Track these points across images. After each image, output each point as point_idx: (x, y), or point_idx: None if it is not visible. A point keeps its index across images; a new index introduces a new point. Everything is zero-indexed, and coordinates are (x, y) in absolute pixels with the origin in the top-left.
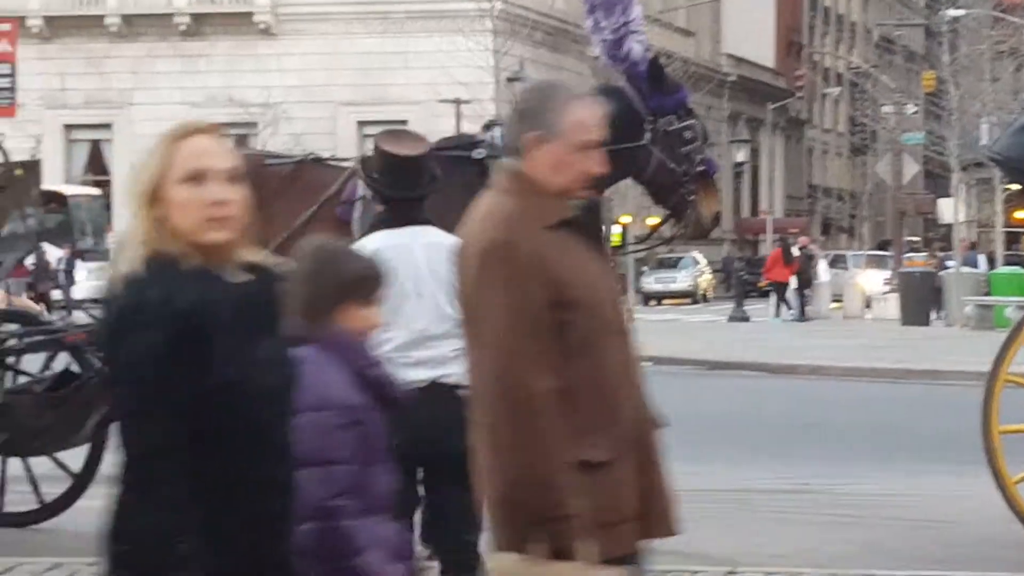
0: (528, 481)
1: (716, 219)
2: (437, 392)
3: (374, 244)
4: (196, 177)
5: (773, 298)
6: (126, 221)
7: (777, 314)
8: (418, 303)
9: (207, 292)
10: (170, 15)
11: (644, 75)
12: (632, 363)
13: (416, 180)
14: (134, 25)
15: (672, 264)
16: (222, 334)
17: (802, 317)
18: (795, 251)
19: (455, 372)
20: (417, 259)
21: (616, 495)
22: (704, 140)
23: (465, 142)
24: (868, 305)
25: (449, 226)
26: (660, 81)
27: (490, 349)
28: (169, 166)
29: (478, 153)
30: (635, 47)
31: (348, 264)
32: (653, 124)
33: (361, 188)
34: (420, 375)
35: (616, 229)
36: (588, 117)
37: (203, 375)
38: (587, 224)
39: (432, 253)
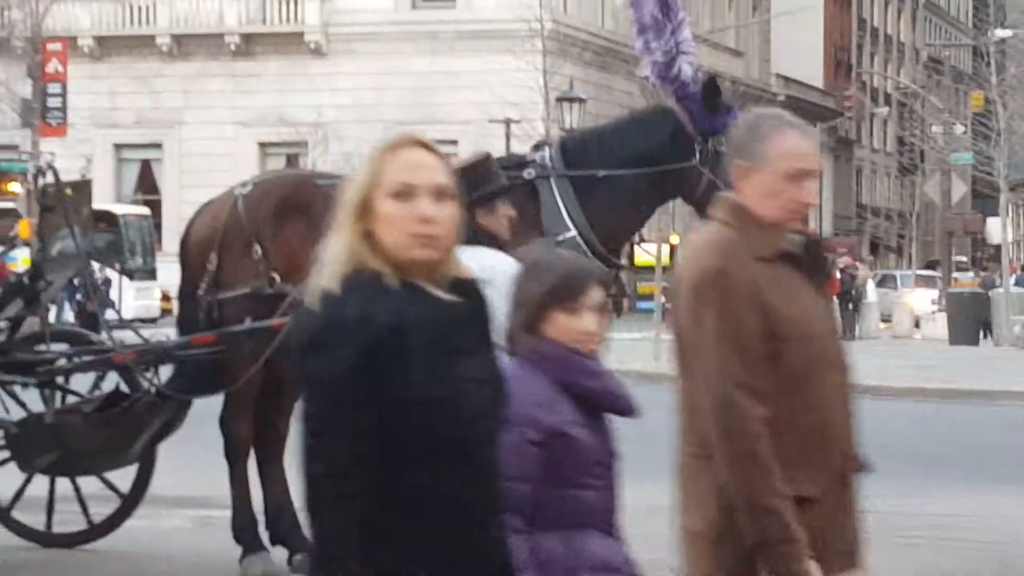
0: (749, 508)
1: None
2: None
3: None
4: (405, 192)
5: None
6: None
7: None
8: None
9: (409, 310)
10: (221, 35)
11: (695, 96)
12: (848, 399)
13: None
14: (185, 44)
15: None
16: (424, 352)
17: (851, 336)
18: (837, 272)
19: None
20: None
21: (823, 530)
22: None
23: (515, 162)
24: (917, 325)
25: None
26: (715, 101)
27: (705, 377)
28: (380, 178)
29: (528, 173)
30: (685, 68)
31: (550, 269)
32: (703, 145)
33: None
34: None
35: (664, 248)
36: (797, 146)
37: (400, 393)
38: (806, 259)
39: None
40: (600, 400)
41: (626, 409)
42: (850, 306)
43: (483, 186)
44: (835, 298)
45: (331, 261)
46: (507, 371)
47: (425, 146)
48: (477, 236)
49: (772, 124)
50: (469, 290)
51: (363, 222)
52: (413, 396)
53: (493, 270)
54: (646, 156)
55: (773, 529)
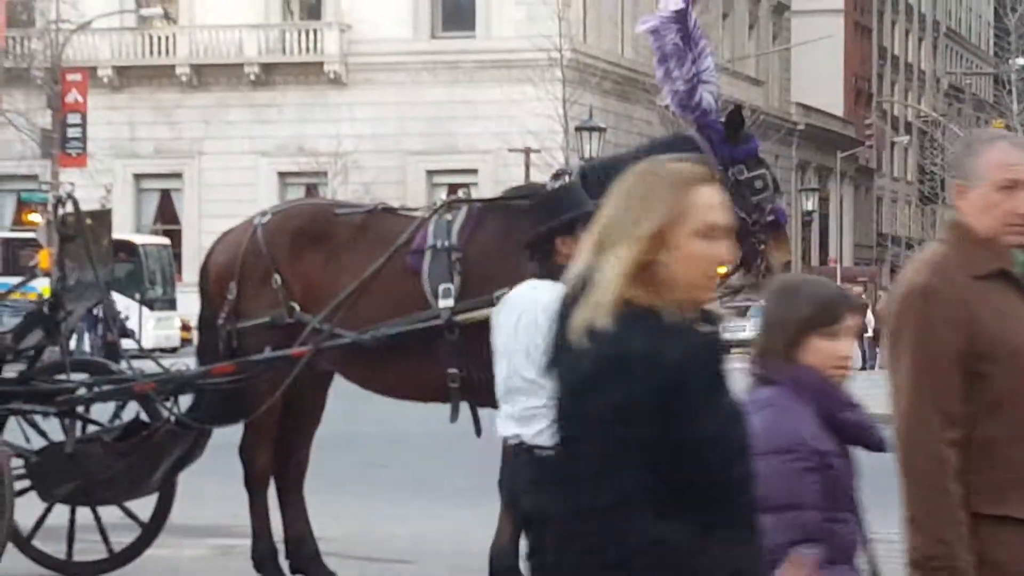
0: (917, 526)
1: (787, 268)
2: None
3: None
4: (710, 232)
5: None
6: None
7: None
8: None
9: (690, 345)
10: (240, 65)
11: (715, 124)
12: None
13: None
14: (204, 75)
15: (741, 313)
16: (705, 388)
17: (864, 365)
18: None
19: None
20: (515, 314)
21: None
22: (774, 190)
23: (534, 191)
24: None
25: (520, 275)
26: (738, 131)
27: (899, 393)
28: (682, 214)
29: None
30: (706, 96)
31: (805, 294)
32: (723, 173)
33: (431, 237)
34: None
35: None
36: (1007, 157)
37: (683, 431)
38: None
39: (530, 309)
40: (854, 432)
41: (876, 443)
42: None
43: (564, 213)
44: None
45: (602, 291)
46: (765, 399)
47: (717, 184)
48: (551, 268)
49: (983, 139)
50: (714, 320)
51: (654, 254)
52: (692, 435)
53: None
54: None
55: (937, 555)
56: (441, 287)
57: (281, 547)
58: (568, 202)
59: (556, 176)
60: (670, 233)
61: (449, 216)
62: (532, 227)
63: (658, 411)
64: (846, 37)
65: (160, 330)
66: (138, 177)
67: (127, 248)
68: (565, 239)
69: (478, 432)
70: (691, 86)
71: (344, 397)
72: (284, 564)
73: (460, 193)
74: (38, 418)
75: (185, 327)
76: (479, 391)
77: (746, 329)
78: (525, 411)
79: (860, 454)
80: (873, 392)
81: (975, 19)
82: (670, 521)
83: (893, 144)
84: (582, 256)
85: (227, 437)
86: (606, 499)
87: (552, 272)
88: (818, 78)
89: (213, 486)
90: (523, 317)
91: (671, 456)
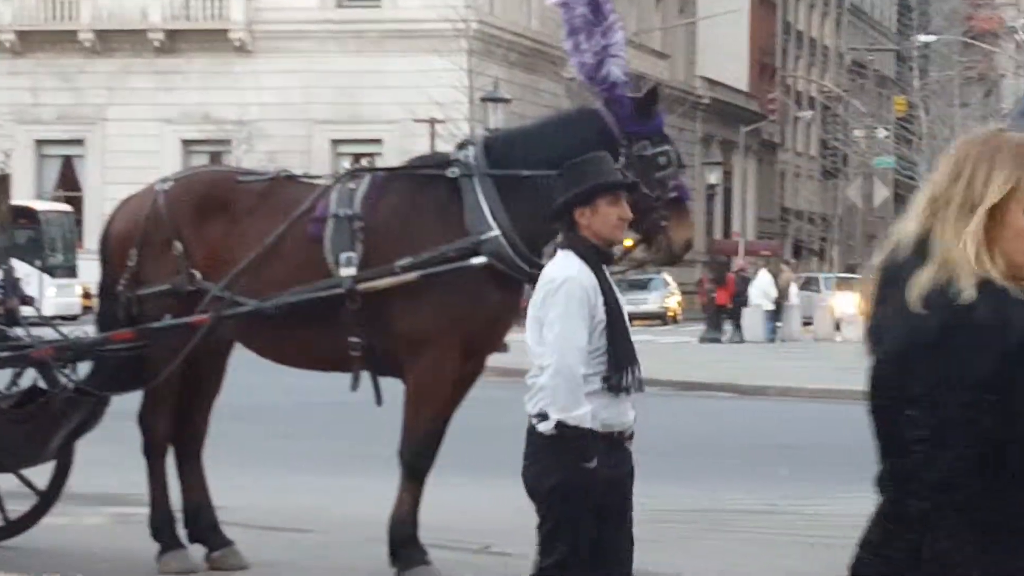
0: None
1: (687, 246)
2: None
3: None
4: None
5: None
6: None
7: (733, 339)
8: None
9: None
10: (144, 31)
11: (623, 99)
12: None
13: None
14: (108, 41)
15: (642, 285)
16: None
17: (738, 339)
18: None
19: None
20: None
21: None
22: (678, 166)
23: (440, 160)
24: (839, 327)
25: (422, 244)
26: (650, 108)
27: None
28: (1019, 188)
29: (452, 172)
30: (614, 70)
31: None
32: (628, 148)
33: (334, 205)
34: None
35: None
36: None
37: (1017, 404)
38: None
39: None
40: None
41: None
42: (741, 309)
43: (585, 182)
44: (730, 300)
45: (946, 258)
46: None
47: None
48: (571, 240)
49: None
50: None
51: (989, 224)
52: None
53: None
54: (570, 158)
55: None
56: (343, 256)
57: (179, 516)
58: (591, 172)
59: (461, 146)
60: (1006, 206)
61: (352, 184)
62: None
63: (1001, 381)
64: (751, 12)
65: (61, 297)
66: (40, 143)
67: (28, 214)
68: (583, 210)
69: (379, 401)
70: (599, 59)
71: (248, 368)
72: (182, 533)
73: (364, 162)
74: None
75: (86, 295)
76: (380, 360)
77: (648, 301)
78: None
79: None
80: (776, 365)
81: None
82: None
83: (796, 119)
84: (911, 220)
85: (126, 405)
86: (934, 476)
87: (573, 243)
88: (723, 52)
89: (111, 454)
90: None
91: (1009, 426)
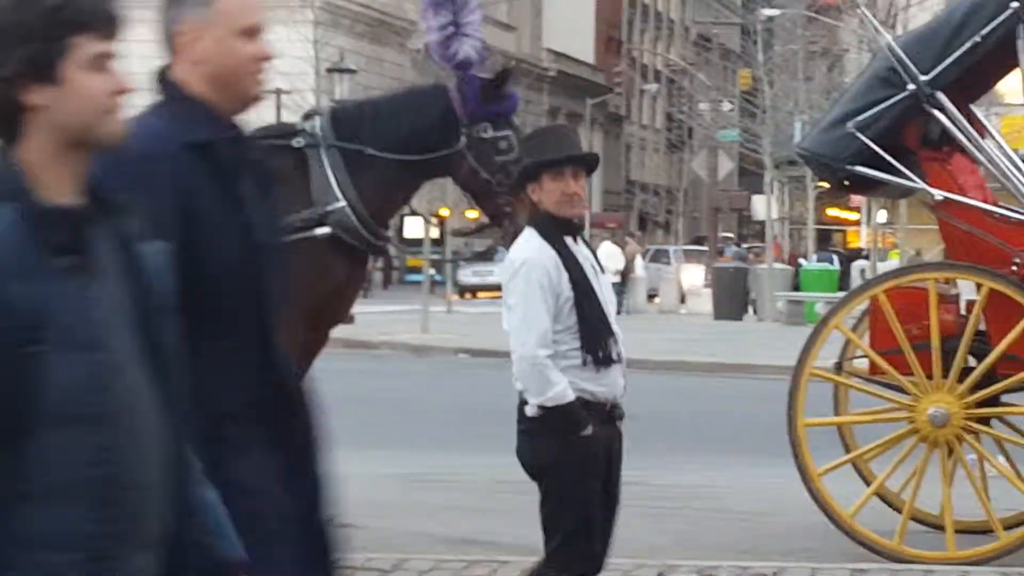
0: None
1: None
2: None
3: None
4: None
5: None
6: None
7: None
8: None
9: None
10: None
11: (473, 79)
12: None
13: None
14: None
15: (488, 257)
16: None
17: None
18: None
19: None
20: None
21: None
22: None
23: (286, 131)
24: (683, 300)
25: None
26: (497, 90)
27: None
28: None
29: (297, 142)
30: (464, 48)
31: None
32: (469, 130)
33: None
34: None
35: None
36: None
37: None
38: None
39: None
40: None
41: None
42: None
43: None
44: None
45: None
46: None
47: None
48: (532, 215)
49: None
50: None
51: None
52: None
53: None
54: (414, 138)
55: None
56: None
57: None
58: (543, 146)
59: (307, 116)
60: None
61: None
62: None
63: None
64: None
65: None
66: None
67: None
68: (532, 186)
69: None
70: (446, 36)
71: None
72: None
73: None
74: None
75: None
76: None
77: (493, 274)
78: None
79: None
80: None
81: None
82: None
83: (642, 92)
84: None
85: None
86: None
87: (532, 219)
88: (569, 25)
89: None
90: None
91: None
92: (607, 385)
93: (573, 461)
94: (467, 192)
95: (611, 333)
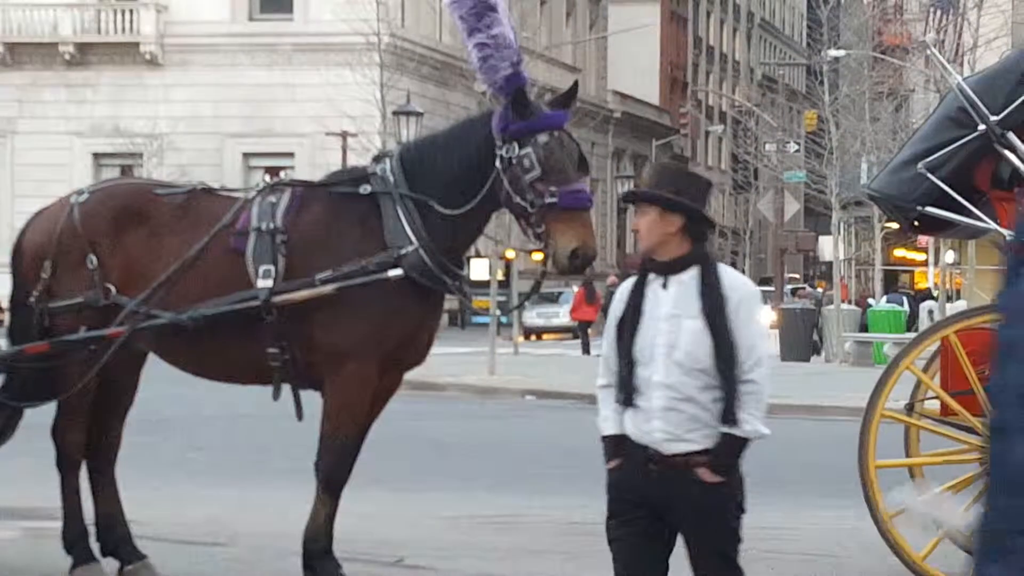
0: None
1: (575, 255)
2: None
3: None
4: None
5: (582, 338)
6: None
7: (586, 351)
8: None
9: None
10: (55, 44)
11: (505, 97)
12: None
13: None
14: (18, 53)
15: (553, 299)
16: None
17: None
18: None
19: None
20: None
21: None
22: (546, 170)
23: (356, 175)
24: None
25: (343, 258)
26: (522, 109)
27: None
28: None
29: (364, 189)
30: (493, 63)
31: None
32: (501, 151)
33: (255, 219)
34: None
35: (497, 263)
36: None
37: None
38: None
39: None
40: None
41: None
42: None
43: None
44: (601, 315)
45: None
46: None
47: None
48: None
49: None
50: None
51: None
52: None
53: None
54: (466, 174)
55: None
56: (262, 268)
57: (92, 529)
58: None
59: (377, 159)
60: None
61: (273, 198)
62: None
63: None
64: (662, 26)
65: None
66: None
67: None
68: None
69: (299, 415)
70: (483, 57)
71: (164, 380)
72: (95, 547)
73: (282, 175)
74: None
75: None
76: (301, 373)
77: (559, 315)
78: None
79: None
80: None
81: (788, 11)
82: None
83: (707, 133)
84: None
85: (41, 418)
86: None
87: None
88: (634, 66)
89: (24, 467)
90: None
91: None
92: (637, 426)
93: (607, 488)
94: (515, 216)
95: (635, 375)
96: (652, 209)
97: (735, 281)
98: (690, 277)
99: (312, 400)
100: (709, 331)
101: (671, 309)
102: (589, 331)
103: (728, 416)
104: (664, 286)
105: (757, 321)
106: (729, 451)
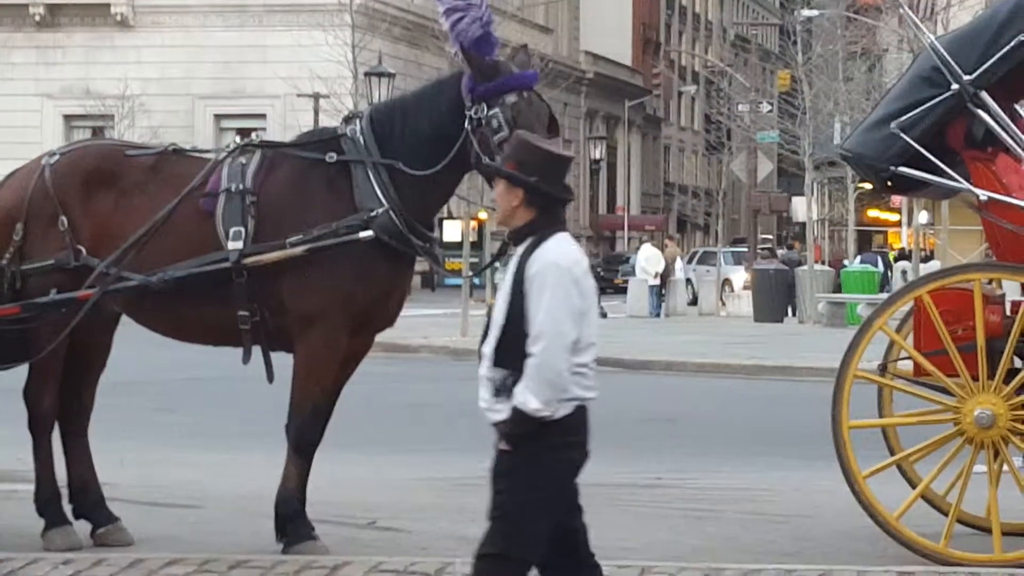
0: None
1: None
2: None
3: (576, 248)
4: None
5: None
6: None
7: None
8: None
9: None
10: (25, 5)
11: (472, 58)
12: None
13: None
14: None
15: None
16: None
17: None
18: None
19: None
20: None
21: None
22: (514, 130)
23: (327, 136)
24: (723, 302)
25: (313, 220)
26: (489, 67)
27: None
28: None
29: (330, 157)
30: (463, 24)
31: None
32: (470, 112)
33: (225, 180)
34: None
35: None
36: None
37: None
38: None
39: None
40: None
41: None
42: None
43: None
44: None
45: None
46: None
47: None
48: None
49: None
50: None
51: None
52: None
53: None
54: (435, 137)
55: None
56: (232, 230)
57: (65, 492)
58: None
59: (347, 120)
60: None
61: (243, 159)
62: (332, 173)
63: None
64: None
65: None
66: None
67: None
68: None
69: (270, 378)
70: (454, 21)
71: (136, 343)
72: (68, 509)
73: (253, 137)
74: None
75: None
76: (271, 335)
77: None
78: None
79: None
80: (662, 340)
81: None
82: None
83: (680, 93)
84: None
85: (10, 381)
86: None
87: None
88: (607, 27)
89: None
90: None
91: None
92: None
93: None
94: (483, 176)
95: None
96: (500, 181)
97: (541, 254)
98: (522, 248)
99: (284, 362)
100: (506, 303)
101: (505, 281)
102: None
103: (514, 389)
104: (512, 257)
105: (549, 295)
106: (511, 422)
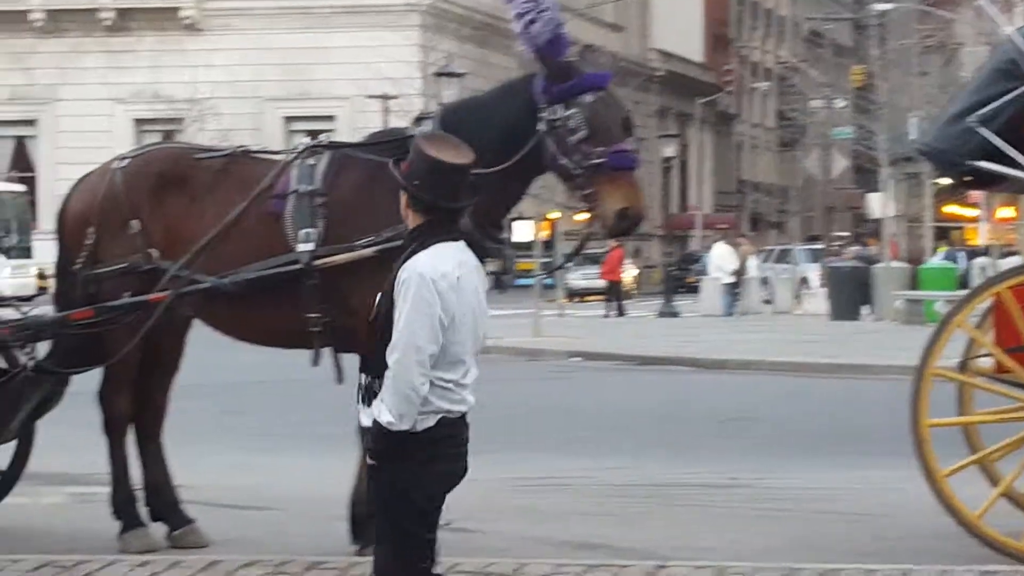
0: None
1: (623, 216)
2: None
3: (450, 260)
4: None
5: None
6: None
7: (610, 313)
8: (473, 324)
9: None
10: (95, 10)
11: (546, 60)
12: None
13: (462, 190)
14: (59, 20)
15: (597, 260)
16: None
17: (620, 313)
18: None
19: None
20: (477, 279)
21: None
22: (593, 130)
23: (397, 136)
24: (799, 300)
25: (383, 221)
26: (565, 68)
27: None
28: None
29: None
30: (535, 27)
31: None
32: (545, 114)
33: (294, 182)
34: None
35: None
36: None
37: None
38: None
39: (479, 273)
40: None
41: None
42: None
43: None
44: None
45: None
46: None
47: None
48: None
49: None
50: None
51: None
52: None
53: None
54: (506, 137)
55: None
56: (302, 232)
57: (140, 494)
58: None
59: (418, 120)
60: None
61: (312, 161)
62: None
63: None
64: None
65: (16, 278)
66: None
67: None
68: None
69: (339, 379)
70: (526, 22)
71: (204, 345)
72: (143, 511)
73: (322, 138)
74: None
75: (41, 276)
76: (341, 337)
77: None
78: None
79: None
80: (735, 338)
81: None
82: None
83: (753, 90)
84: None
85: (86, 384)
86: None
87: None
88: (677, 24)
89: (73, 434)
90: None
91: None
92: None
93: None
94: (561, 178)
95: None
96: None
97: (412, 262)
98: (405, 253)
99: (352, 364)
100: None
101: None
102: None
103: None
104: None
105: (409, 306)
106: (372, 436)
